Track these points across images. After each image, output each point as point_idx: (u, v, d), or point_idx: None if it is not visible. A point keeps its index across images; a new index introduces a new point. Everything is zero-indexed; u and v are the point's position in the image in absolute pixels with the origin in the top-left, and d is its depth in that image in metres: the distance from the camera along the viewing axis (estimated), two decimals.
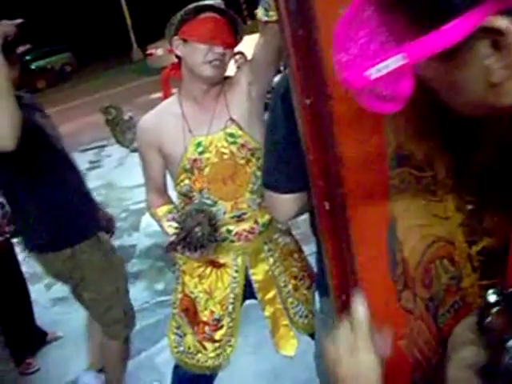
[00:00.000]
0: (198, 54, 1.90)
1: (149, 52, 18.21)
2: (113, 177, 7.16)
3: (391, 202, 0.97)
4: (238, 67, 2.14)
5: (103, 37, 28.06)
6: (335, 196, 0.96)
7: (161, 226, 2.18)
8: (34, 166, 2.44)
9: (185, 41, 1.92)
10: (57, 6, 29.02)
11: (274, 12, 1.57)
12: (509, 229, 0.86)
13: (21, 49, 2.44)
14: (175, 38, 1.95)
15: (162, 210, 2.15)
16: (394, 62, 0.60)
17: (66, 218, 2.51)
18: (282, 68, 3.43)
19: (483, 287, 1.06)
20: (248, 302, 2.22)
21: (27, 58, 23.47)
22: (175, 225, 2.03)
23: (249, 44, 2.41)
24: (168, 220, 2.11)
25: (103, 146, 9.39)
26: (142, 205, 6.00)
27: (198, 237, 1.97)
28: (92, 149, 9.28)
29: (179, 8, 1.95)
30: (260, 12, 1.73)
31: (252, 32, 3.45)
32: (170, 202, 2.21)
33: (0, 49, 2.05)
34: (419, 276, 1.02)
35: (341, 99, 0.90)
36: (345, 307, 1.08)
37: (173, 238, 2.05)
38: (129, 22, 23.82)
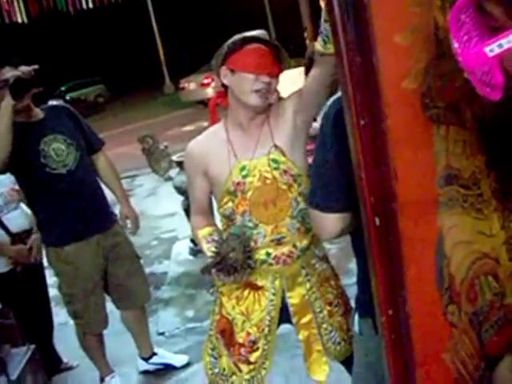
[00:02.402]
0: (245, 84, 2.00)
1: (181, 86, 18.59)
2: (144, 206, 7.28)
3: (439, 218, 1.03)
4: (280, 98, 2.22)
5: (136, 70, 28.69)
6: (387, 211, 1.02)
7: (201, 247, 2.24)
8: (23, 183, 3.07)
9: (232, 71, 2.02)
10: (92, 40, 29.86)
11: (332, 45, 1.64)
12: None
13: (34, 90, 2.85)
14: (223, 68, 2.05)
15: (203, 232, 2.21)
16: None
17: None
18: None
19: None
20: (280, 332, 2.25)
21: (62, 89, 24.19)
22: (213, 248, 2.10)
23: (290, 76, 2.52)
24: (208, 242, 2.17)
25: (135, 176, 9.57)
26: (173, 233, 6.13)
27: (232, 262, 2.02)
28: (124, 178, 9.46)
29: (211, 45, 2.06)
30: (319, 44, 1.79)
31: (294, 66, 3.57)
32: (213, 224, 2.27)
33: (7, 88, 2.65)
34: (464, 291, 1.07)
35: (396, 119, 0.97)
36: (391, 322, 1.13)
37: (209, 261, 2.11)
38: (162, 56, 24.39)
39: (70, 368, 3.75)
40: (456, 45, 0.71)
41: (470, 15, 0.73)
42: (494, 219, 1.05)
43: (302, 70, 7.23)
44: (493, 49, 0.67)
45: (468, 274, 1.06)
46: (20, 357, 2.79)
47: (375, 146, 1.02)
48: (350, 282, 2.52)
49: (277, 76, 2.06)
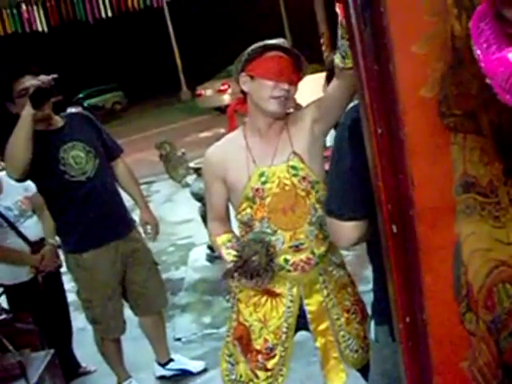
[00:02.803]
0: (264, 90, 2.02)
1: (198, 92, 18.69)
2: (161, 212, 7.31)
3: (457, 226, 1.03)
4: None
5: (153, 77, 28.92)
6: (404, 219, 1.03)
7: (220, 254, 2.25)
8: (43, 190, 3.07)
9: (252, 77, 2.04)
10: (110, 47, 30.17)
11: (350, 60, 1.66)
12: None
13: (54, 99, 2.88)
14: (242, 74, 2.07)
15: (222, 239, 2.23)
16: None
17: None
18: None
19: None
20: (296, 339, 2.25)
21: (80, 95, 24.46)
22: (233, 253, 2.11)
23: (307, 83, 2.53)
24: (227, 248, 2.18)
25: (152, 182, 9.63)
26: (190, 240, 6.15)
27: (255, 266, 2.03)
28: (142, 184, 9.51)
29: (227, 52, 2.08)
30: (337, 59, 1.83)
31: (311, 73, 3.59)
32: (231, 231, 2.28)
33: (28, 97, 2.67)
34: (482, 299, 1.07)
35: (413, 127, 0.98)
36: (408, 329, 1.13)
37: (230, 266, 2.12)
38: (179, 63, 24.55)
39: (88, 372, 3.78)
40: (478, 52, 0.71)
41: (489, 23, 0.73)
42: None
43: (317, 76, 7.26)
44: None
45: (485, 281, 1.06)
46: (39, 361, 2.81)
47: (392, 153, 1.02)
48: (365, 289, 2.51)
49: (296, 84, 2.08)
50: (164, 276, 4.99)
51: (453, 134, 1.00)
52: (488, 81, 0.72)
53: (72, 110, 5.14)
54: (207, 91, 18.05)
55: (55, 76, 2.77)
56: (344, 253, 4.24)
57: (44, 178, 2.97)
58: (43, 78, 2.74)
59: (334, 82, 1.97)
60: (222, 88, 17.04)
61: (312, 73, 5.58)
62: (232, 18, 27.41)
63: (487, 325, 1.08)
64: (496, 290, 1.07)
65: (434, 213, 1.01)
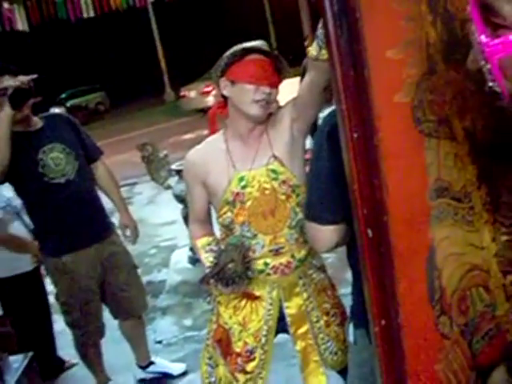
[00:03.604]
0: (245, 94, 2.01)
1: (182, 94, 18.63)
2: (143, 214, 7.29)
3: (431, 230, 1.04)
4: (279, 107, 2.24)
5: (137, 78, 28.79)
6: (379, 223, 1.03)
7: (199, 257, 2.25)
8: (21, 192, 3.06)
9: (232, 82, 2.03)
10: (93, 47, 30.01)
11: (326, 51, 1.64)
12: None
13: (31, 101, 2.87)
14: (222, 79, 2.06)
15: (202, 242, 2.23)
16: None
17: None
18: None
19: None
20: (276, 340, 2.26)
21: (63, 96, 24.31)
22: (211, 258, 2.11)
23: (290, 85, 2.53)
24: (206, 252, 2.19)
25: (134, 184, 9.59)
26: (172, 242, 6.13)
27: (231, 273, 2.04)
28: (124, 186, 9.48)
29: (212, 53, 2.07)
30: (313, 49, 1.78)
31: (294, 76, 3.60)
32: (211, 233, 2.28)
33: (7, 99, 2.67)
34: (456, 302, 1.08)
35: (388, 133, 0.99)
36: (384, 332, 1.14)
37: (207, 272, 2.12)
38: (163, 64, 24.46)
39: (73, 366, 3.80)
40: (482, 37, 0.71)
41: (476, 12, 0.74)
42: (485, 232, 1.07)
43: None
44: None
45: (459, 285, 1.07)
46: (17, 364, 2.79)
47: (367, 158, 1.03)
48: (346, 292, 2.51)
49: (277, 86, 2.07)
50: (146, 278, 5.00)
51: (427, 139, 1.01)
52: (486, 67, 0.72)
53: (55, 110, 5.12)
54: (191, 93, 17.99)
55: (34, 76, 2.75)
56: (325, 255, 4.25)
57: (22, 180, 2.94)
58: (22, 78, 2.73)
59: (307, 77, 1.95)
60: (206, 90, 16.99)
61: (295, 76, 5.60)
62: (217, 20, 27.42)
63: (461, 328, 1.10)
64: (469, 293, 1.08)
65: (408, 217, 1.02)
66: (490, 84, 0.73)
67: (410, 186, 1.02)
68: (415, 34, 0.98)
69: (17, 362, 2.81)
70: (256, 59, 2.01)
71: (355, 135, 1.04)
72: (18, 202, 3.34)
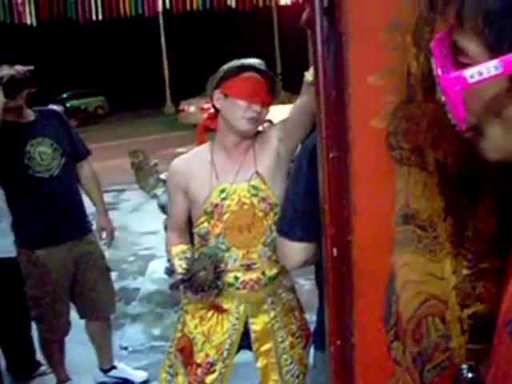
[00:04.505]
0: (236, 110, 2.05)
1: (181, 108, 18.72)
2: (127, 220, 7.29)
3: (393, 255, 1.06)
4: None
5: (139, 86, 28.91)
6: (344, 243, 1.05)
7: (173, 264, 2.26)
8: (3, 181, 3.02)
9: (225, 95, 2.07)
10: (98, 51, 30.14)
11: None
12: (499, 298, 0.94)
13: (27, 90, 2.90)
14: (216, 91, 2.09)
15: (176, 249, 2.24)
16: (491, 68, 0.68)
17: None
18: None
19: (470, 351, 1.12)
20: (241, 360, 2.26)
21: (64, 95, 24.36)
22: (184, 265, 2.12)
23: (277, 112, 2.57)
24: (180, 259, 2.20)
25: (123, 190, 9.59)
26: (151, 251, 6.13)
27: (201, 281, 2.06)
28: (111, 191, 9.47)
29: (216, 68, 2.11)
30: (309, 74, 1.82)
31: (282, 103, 3.65)
32: (187, 242, 2.29)
33: (1, 86, 2.68)
34: (411, 330, 1.09)
35: (360, 155, 1.01)
36: (338, 352, 1.15)
37: (179, 277, 2.13)
38: (166, 76, 24.59)
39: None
40: (439, 71, 0.75)
41: (445, 50, 0.77)
42: (447, 263, 1.08)
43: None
44: (473, 75, 0.71)
45: (415, 313, 1.09)
46: None
47: (339, 178, 1.05)
48: None
49: (268, 105, 2.11)
50: (120, 284, 4.99)
51: (398, 166, 1.03)
52: (443, 98, 0.75)
53: (53, 107, 5.14)
54: (190, 107, 18.09)
55: (31, 68, 2.78)
56: (302, 281, 4.28)
57: (7, 170, 2.95)
58: (19, 68, 2.75)
59: (299, 100, 1.99)
60: (206, 106, 16.99)
61: (283, 103, 5.67)
62: (225, 39, 27.66)
63: (413, 356, 1.11)
64: (425, 322, 1.10)
65: (372, 240, 1.04)
66: (448, 116, 0.76)
67: (377, 210, 1.04)
68: (398, 64, 1.01)
69: None
70: (251, 77, 2.05)
71: (331, 155, 1.06)
72: None
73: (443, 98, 0.74)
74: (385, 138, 1.02)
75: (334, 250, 1.09)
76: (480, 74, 0.70)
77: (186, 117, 18.31)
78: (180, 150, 13.78)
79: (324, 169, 1.09)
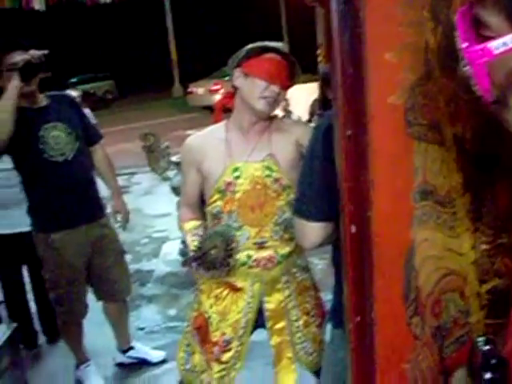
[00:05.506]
0: (255, 89, 2.05)
1: (190, 90, 18.66)
2: (139, 204, 7.31)
3: (412, 231, 1.06)
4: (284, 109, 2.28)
5: (147, 70, 28.86)
6: (363, 220, 1.06)
7: (185, 240, 2.28)
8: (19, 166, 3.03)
9: (246, 74, 2.07)
10: (106, 34, 30.07)
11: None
12: None
13: (42, 74, 2.88)
14: (237, 69, 2.10)
15: (189, 225, 2.26)
16: None
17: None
18: None
19: (489, 325, 1.13)
20: (257, 338, 2.28)
21: (72, 80, 24.33)
22: (196, 242, 2.14)
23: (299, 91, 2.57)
24: (193, 235, 2.21)
25: (134, 174, 9.61)
26: (165, 233, 6.16)
27: (212, 259, 2.08)
28: (123, 175, 9.50)
29: (224, 53, 2.11)
30: None
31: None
32: (200, 218, 2.30)
33: (18, 71, 2.70)
34: (430, 305, 1.10)
35: (379, 132, 1.01)
36: (357, 329, 1.17)
37: (190, 255, 2.16)
38: (174, 58, 24.50)
39: None
40: (463, 44, 0.75)
41: (467, 24, 0.77)
42: (466, 238, 1.09)
43: (310, 85, 7.33)
44: (498, 46, 0.71)
45: (435, 288, 1.10)
46: (0, 334, 2.81)
47: (358, 156, 1.06)
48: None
49: (287, 88, 2.12)
50: (134, 266, 5.02)
51: (416, 142, 1.04)
52: (468, 71, 0.75)
53: (71, 93, 5.15)
54: (199, 90, 18.03)
55: (46, 52, 2.77)
56: (316, 261, 4.30)
57: (22, 155, 2.96)
58: (34, 52, 2.75)
59: None
60: (214, 88, 17.02)
61: (305, 82, 5.67)
62: (233, 19, 27.48)
63: (432, 331, 1.12)
64: (444, 298, 1.11)
65: (391, 216, 1.05)
66: (474, 88, 0.76)
67: (396, 187, 1.04)
68: (415, 39, 1.01)
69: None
70: (273, 58, 2.06)
71: (348, 132, 1.07)
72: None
73: (468, 71, 0.75)
74: (403, 115, 1.02)
75: (353, 227, 1.10)
76: (505, 44, 0.70)
77: (195, 99, 18.25)
78: (189, 132, 13.75)
79: (341, 146, 1.10)
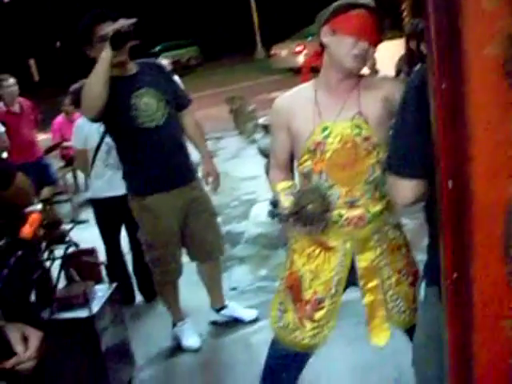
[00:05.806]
0: (343, 46, 2.02)
1: (273, 52, 18.57)
2: (227, 167, 7.43)
3: None
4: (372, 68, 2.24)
5: (229, 34, 28.91)
6: (460, 174, 1.04)
7: (278, 200, 2.29)
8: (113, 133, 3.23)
9: (333, 31, 2.05)
10: (187, 2, 30.28)
11: None
12: None
13: (132, 42, 2.93)
14: (325, 27, 2.07)
15: (282, 185, 2.27)
16: None
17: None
18: None
19: None
20: (349, 298, 2.30)
21: (158, 48, 24.79)
22: (291, 199, 2.16)
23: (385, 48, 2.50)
24: (286, 194, 2.23)
25: (220, 138, 9.75)
26: (253, 195, 6.25)
27: (310, 214, 2.08)
28: (209, 139, 9.66)
29: (305, 14, 2.08)
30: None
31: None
32: (291, 179, 2.32)
33: (109, 41, 2.75)
34: None
35: (476, 84, 0.98)
36: (454, 285, 1.15)
37: (287, 211, 2.18)
38: (256, 21, 24.39)
39: None
40: None
41: None
42: None
43: (396, 42, 7.10)
44: None
45: None
46: (102, 293, 2.99)
47: (454, 108, 1.03)
48: (423, 259, 2.52)
49: (375, 44, 2.07)
50: (225, 228, 5.14)
51: None
52: None
53: (162, 61, 5.27)
54: (282, 52, 17.91)
55: (134, 20, 2.83)
56: (405, 221, 4.23)
57: (115, 122, 3.07)
58: (123, 21, 2.82)
59: None
60: (297, 49, 16.86)
61: (390, 38, 5.50)
62: None
63: None
64: None
65: (491, 169, 1.02)
66: None
67: (495, 138, 1.01)
68: None
69: (101, 291, 3.01)
70: (360, 14, 2.01)
71: (443, 85, 1.04)
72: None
73: None
74: (501, 65, 0.98)
75: (450, 182, 1.08)
76: None
77: (278, 61, 18.16)
78: (274, 94, 13.73)
79: (436, 100, 1.07)
